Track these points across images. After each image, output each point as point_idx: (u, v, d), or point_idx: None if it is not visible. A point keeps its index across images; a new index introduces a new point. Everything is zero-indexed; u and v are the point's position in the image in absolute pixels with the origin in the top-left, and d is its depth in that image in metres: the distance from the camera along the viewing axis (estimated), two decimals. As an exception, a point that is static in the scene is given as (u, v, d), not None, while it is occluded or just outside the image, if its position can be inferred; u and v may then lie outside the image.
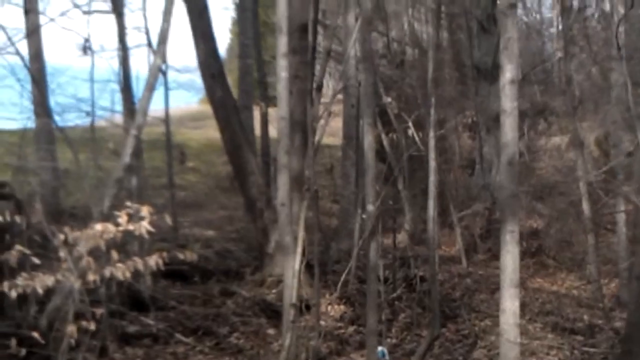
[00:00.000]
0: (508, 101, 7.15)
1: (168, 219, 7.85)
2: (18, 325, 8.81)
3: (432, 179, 11.27)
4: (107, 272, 7.52)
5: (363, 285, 12.58)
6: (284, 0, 8.71)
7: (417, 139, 16.59)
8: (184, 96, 77.05)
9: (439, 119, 13.52)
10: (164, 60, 9.93)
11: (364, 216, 12.27)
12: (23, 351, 7.04)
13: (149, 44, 18.20)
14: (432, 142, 11.40)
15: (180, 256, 7.52)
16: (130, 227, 7.41)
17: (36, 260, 7.42)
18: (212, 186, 25.53)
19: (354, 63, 15.59)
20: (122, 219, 7.41)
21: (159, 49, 9.71)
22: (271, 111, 18.52)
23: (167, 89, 18.68)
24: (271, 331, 11.14)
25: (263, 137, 18.04)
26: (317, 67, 12.76)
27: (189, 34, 13.92)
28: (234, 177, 17.39)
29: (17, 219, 7.29)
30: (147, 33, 18.76)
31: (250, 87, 17.86)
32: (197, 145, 30.55)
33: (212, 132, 31.69)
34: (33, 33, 17.88)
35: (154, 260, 7.39)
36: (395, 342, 11.31)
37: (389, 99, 16.97)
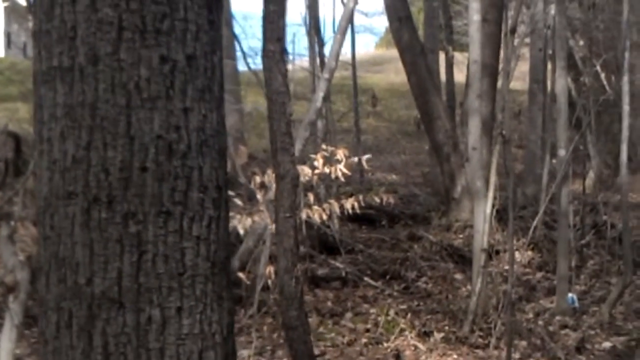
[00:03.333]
0: None
1: (364, 162, 7.95)
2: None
3: (626, 124, 10.97)
4: (303, 214, 7.70)
5: (551, 232, 12.42)
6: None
7: (605, 82, 16.19)
8: (362, 41, 77.49)
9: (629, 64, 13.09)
10: (356, 3, 9.94)
11: (554, 161, 12.08)
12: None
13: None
14: (626, 87, 11.07)
15: (377, 199, 7.63)
16: (327, 170, 7.56)
17: (238, 202, 7.65)
18: (394, 131, 25.56)
19: (542, 5, 15.26)
20: (318, 161, 7.56)
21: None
22: (455, 55, 18.39)
23: (353, 32, 18.72)
24: (459, 276, 11.12)
25: (448, 82, 17.88)
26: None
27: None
28: (420, 121, 17.38)
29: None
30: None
31: (436, 30, 17.65)
32: (378, 90, 30.64)
33: (392, 76, 31.83)
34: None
35: (350, 204, 7.53)
36: (583, 289, 11.10)
37: (581, 42, 16.58)
